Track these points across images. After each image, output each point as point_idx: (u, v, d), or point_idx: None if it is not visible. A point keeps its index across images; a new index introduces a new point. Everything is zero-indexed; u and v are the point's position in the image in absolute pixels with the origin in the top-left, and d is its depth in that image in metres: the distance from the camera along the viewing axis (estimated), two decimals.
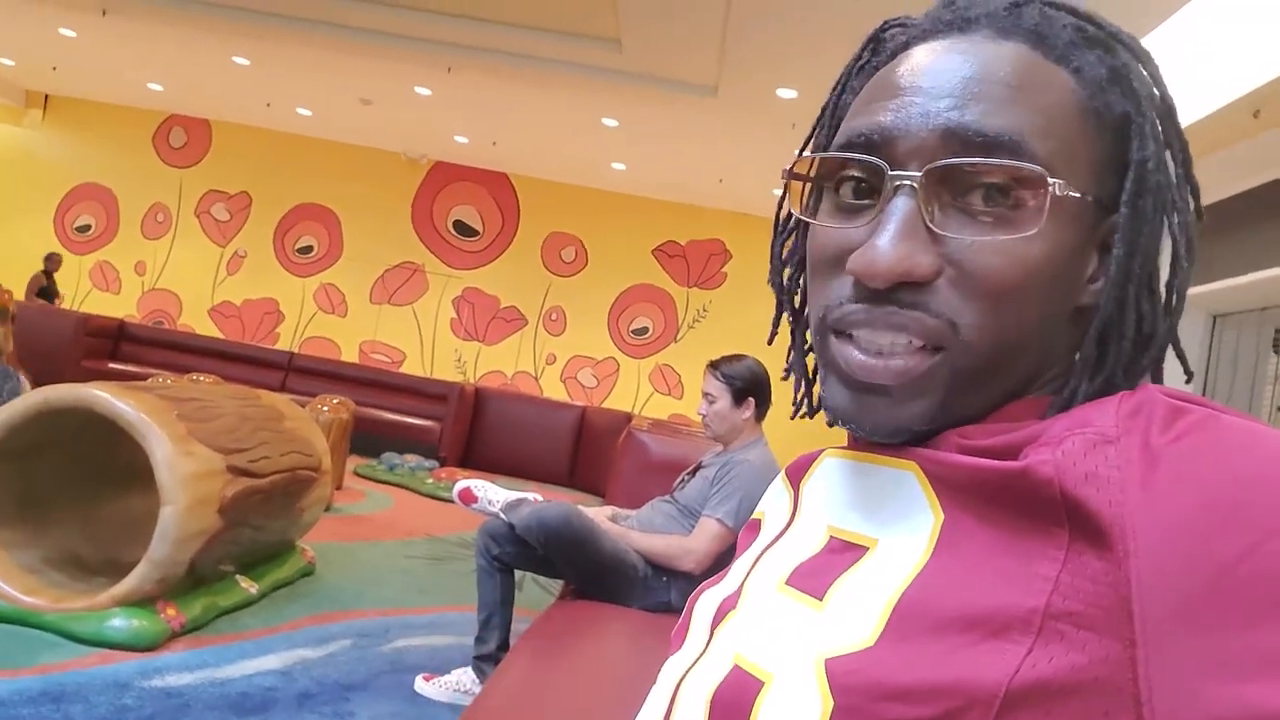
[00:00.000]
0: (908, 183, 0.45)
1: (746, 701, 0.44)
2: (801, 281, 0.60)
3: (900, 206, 0.45)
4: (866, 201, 0.48)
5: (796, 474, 0.57)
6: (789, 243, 0.61)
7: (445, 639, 2.82)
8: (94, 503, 2.81)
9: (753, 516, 0.64)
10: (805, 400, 0.61)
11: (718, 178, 8.63)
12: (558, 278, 10.11)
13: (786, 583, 0.49)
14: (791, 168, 0.53)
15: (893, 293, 0.45)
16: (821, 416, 0.60)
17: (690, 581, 2.34)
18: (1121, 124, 0.48)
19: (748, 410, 2.46)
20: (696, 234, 9.98)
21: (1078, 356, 0.49)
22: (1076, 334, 0.50)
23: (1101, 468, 0.39)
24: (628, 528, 2.46)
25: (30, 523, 2.56)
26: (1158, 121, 0.49)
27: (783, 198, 0.59)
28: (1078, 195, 0.46)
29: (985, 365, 0.46)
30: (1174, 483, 0.38)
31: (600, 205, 10.01)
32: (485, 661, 2.34)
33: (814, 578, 0.48)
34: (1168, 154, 0.49)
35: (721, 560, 2.34)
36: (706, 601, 0.57)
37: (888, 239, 0.45)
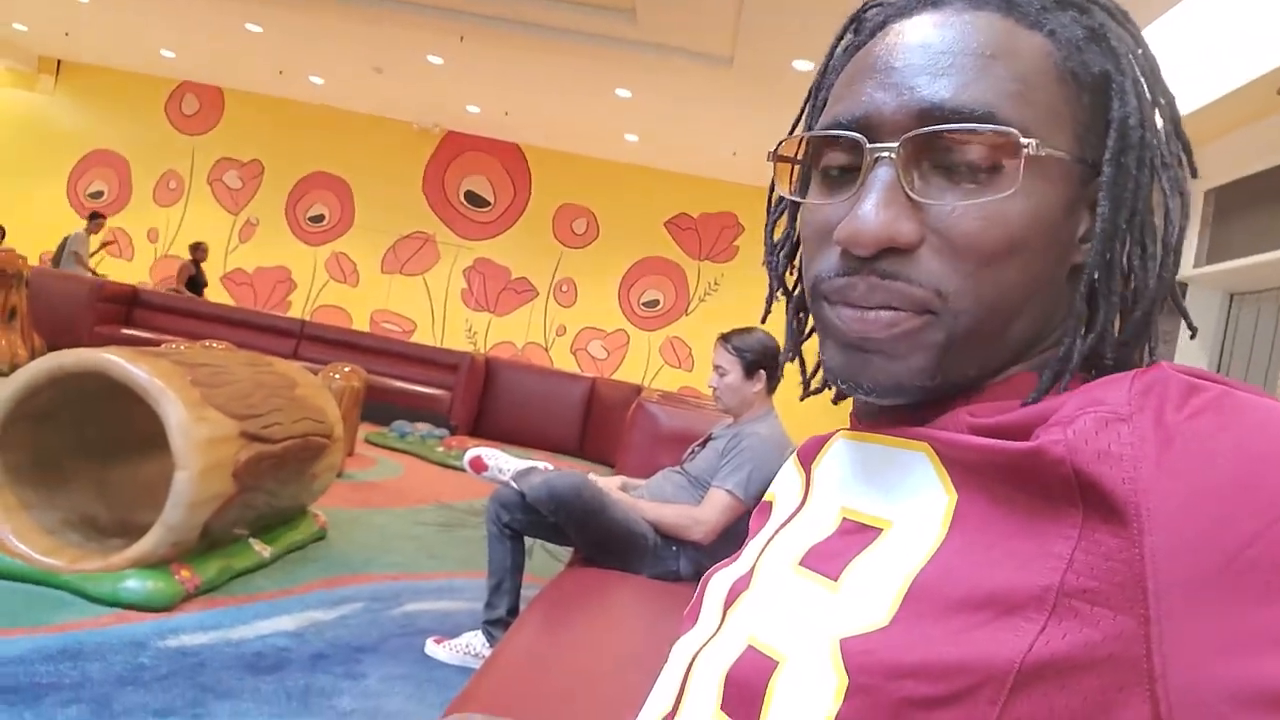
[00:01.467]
0: (886, 154, 0.46)
1: (760, 681, 0.45)
2: (796, 263, 0.60)
3: (880, 176, 0.46)
4: (848, 176, 0.49)
5: (808, 456, 0.58)
6: (781, 225, 0.62)
7: (455, 604, 2.85)
8: (109, 466, 2.84)
9: (764, 499, 0.64)
10: (809, 379, 0.62)
11: (731, 150, 8.59)
12: (569, 249, 10.12)
13: (800, 564, 0.50)
14: (777, 150, 0.54)
15: (876, 261, 0.46)
16: (829, 395, 0.61)
17: (699, 551, 2.35)
18: (1101, 83, 0.48)
19: (759, 383, 2.46)
20: (709, 207, 9.95)
21: (1071, 313, 0.50)
22: (1067, 292, 0.51)
23: (1114, 446, 0.40)
24: (638, 497, 2.47)
25: (47, 485, 2.59)
26: (1140, 79, 0.49)
27: (772, 182, 0.60)
28: (1060, 154, 0.46)
29: (978, 329, 0.47)
30: (1189, 460, 0.38)
31: (612, 177, 9.98)
32: (495, 626, 2.37)
33: (828, 559, 0.48)
34: (1155, 112, 0.50)
35: (731, 532, 2.36)
36: (719, 582, 0.57)
37: (870, 206, 0.46)
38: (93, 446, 2.79)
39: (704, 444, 2.58)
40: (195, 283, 8.93)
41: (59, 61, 10.35)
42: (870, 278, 0.46)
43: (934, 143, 0.46)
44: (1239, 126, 4.21)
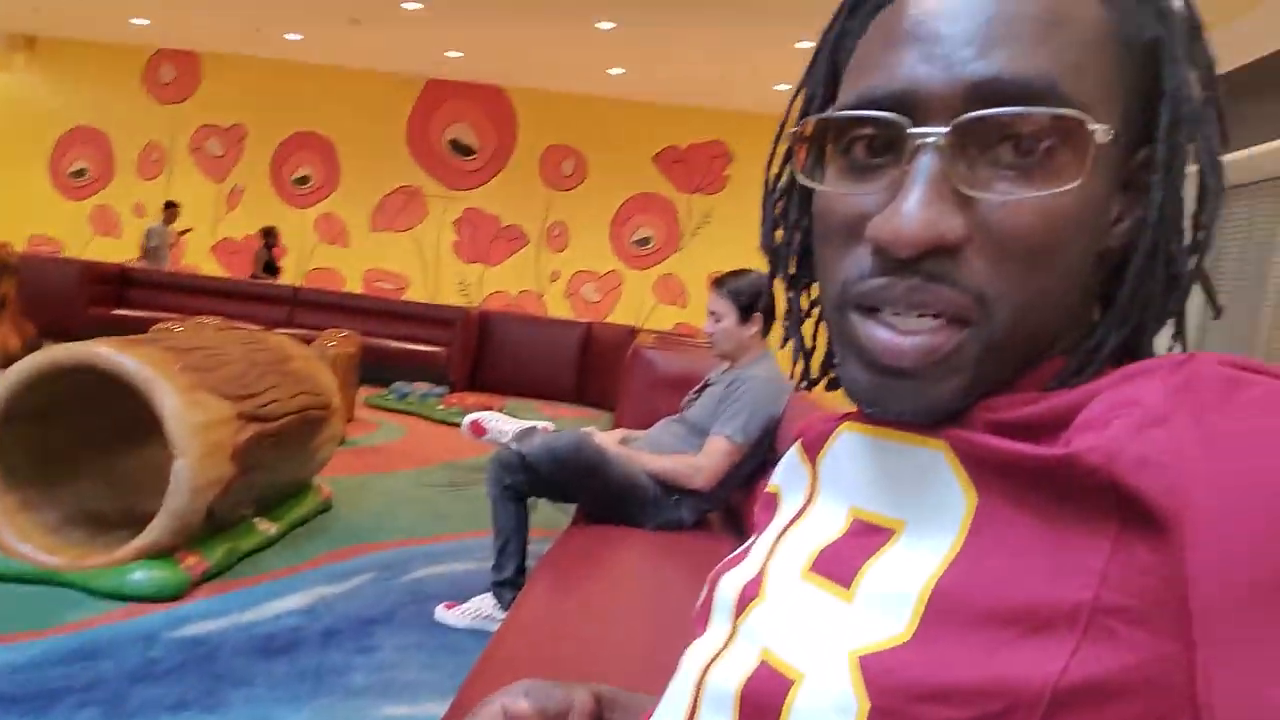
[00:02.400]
0: (932, 139, 0.40)
1: (777, 700, 0.42)
2: (795, 245, 0.56)
3: (925, 166, 0.40)
4: (880, 160, 0.43)
5: (813, 447, 0.54)
6: (781, 204, 0.57)
7: (465, 565, 2.86)
8: (116, 454, 2.84)
9: (768, 490, 0.60)
10: (805, 371, 0.58)
11: (717, 76, 8.38)
12: (558, 192, 9.97)
13: (811, 569, 0.47)
14: (796, 129, 0.48)
15: (919, 263, 0.41)
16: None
17: (701, 499, 2.34)
18: (1151, 49, 0.43)
19: (754, 326, 2.42)
20: (696, 137, 9.76)
21: (1113, 306, 0.45)
22: (1094, 280, 0.46)
23: (1154, 453, 0.35)
24: (638, 449, 2.45)
25: (50, 481, 2.59)
26: (1189, 43, 0.44)
27: (771, 157, 0.55)
28: (1113, 138, 0.41)
29: (1015, 335, 0.42)
30: (1234, 469, 0.34)
31: (599, 113, 9.78)
32: (504, 587, 2.37)
33: (839, 564, 0.45)
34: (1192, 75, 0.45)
35: (731, 478, 2.34)
36: (728, 585, 0.54)
37: (914, 203, 0.40)
38: (97, 436, 2.78)
39: (701, 390, 2.56)
40: (271, 266, 9.06)
41: (32, 38, 10.09)
42: (912, 280, 0.41)
43: (984, 126, 0.40)
44: (1217, 26, 4.12)
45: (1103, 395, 0.39)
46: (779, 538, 0.52)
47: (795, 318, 0.57)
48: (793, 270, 0.56)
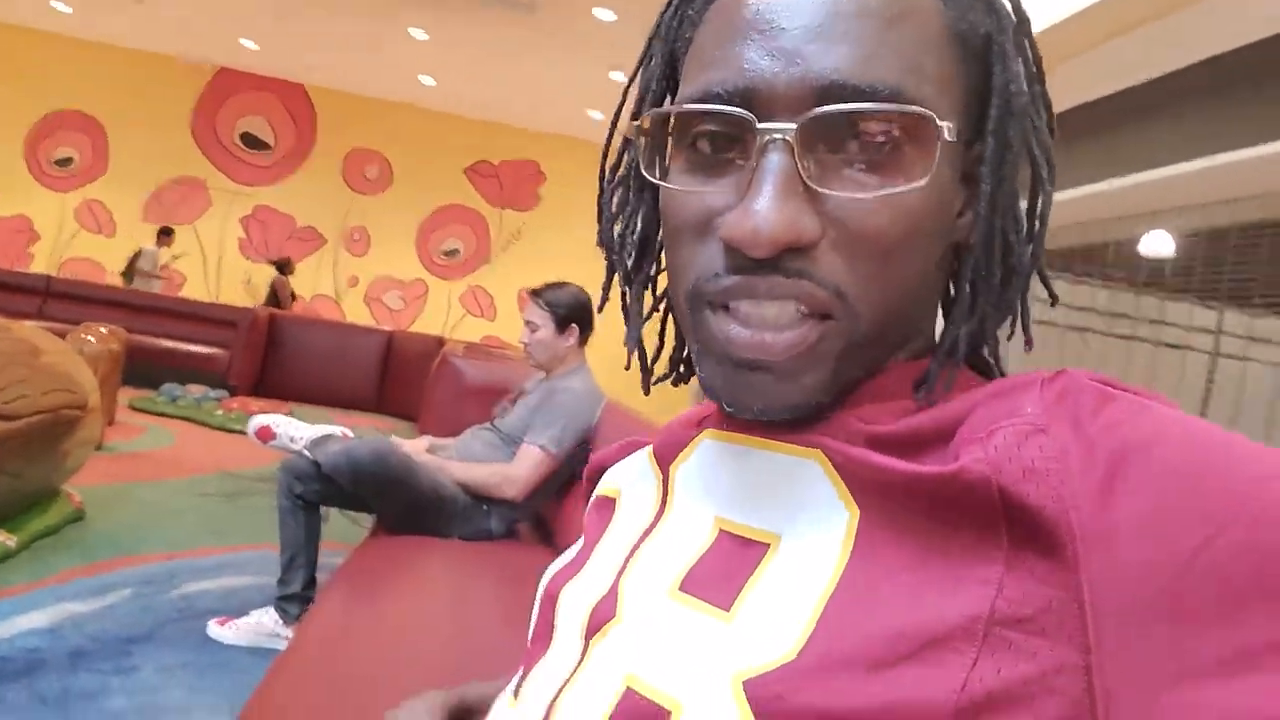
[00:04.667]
0: (780, 136, 0.39)
1: None
2: (634, 239, 0.53)
3: (775, 164, 0.39)
4: (726, 156, 0.42)
5: (667, 454, 0.51)
6: (618, 197, 0.54)
7: (241, 579, 2.62)
8: None
9: (604, 494, 0.57)
10: (647, 372, 0.55)
11: (532, 97, 8.39)
12: (361, 196, 9.56)
13: (680, 589, 0.43)
14: (639, 122, 0.46)
15: (777, 261, 0.40)
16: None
17: (512, 508, 2.28)
18: (984, 45, 0.44)
19: (571, 338, 2.41)
20: (510, 154, 9.71)
21: (956, 299, 0.46)
22: (944, 275, 0.47)
23: (1038, 461, 0.36)
24: (446, 458, 2.36)
25: None
26: (1020, 40, 0.46)
27: (606, 148, 0.53)
28: (957, 136, 0.41)
29: (876, 330, 0.42)
30: (1117, 475, 0.34)
31: (407, 121, 9.51)
32: (290, 602, 2.19)
33: (716, 583, 0.42)
34: (1024, 71, 0.46)
35: (543, 488, 2.30)
36: (572, 601, 0.49)
37: (767, 201, 0.39)
38: None
39: (515, 400, 2.51)
40: (278, 297, 8.41)
41: None
42: (773, 276, 0.40)
43: (832, 123, 0.40)
44: None
45: (981, 409, 0.40)
46: (632, 555, 0.48)
47: (637, 317, 0.54)
48: (631, 264, 0.54)
